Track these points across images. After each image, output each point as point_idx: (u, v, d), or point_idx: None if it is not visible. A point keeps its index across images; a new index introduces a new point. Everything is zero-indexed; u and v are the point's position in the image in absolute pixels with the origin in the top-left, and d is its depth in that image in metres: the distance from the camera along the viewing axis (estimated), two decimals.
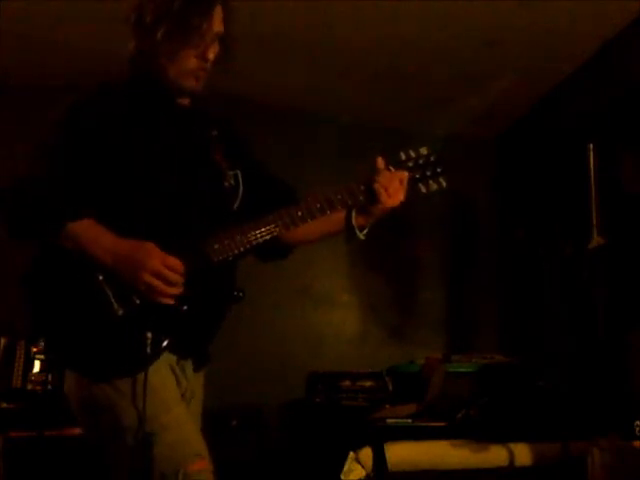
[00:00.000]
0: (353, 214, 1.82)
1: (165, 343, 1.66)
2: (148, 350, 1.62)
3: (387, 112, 4.46)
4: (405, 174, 1.78)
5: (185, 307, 1.68)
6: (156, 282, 1.62)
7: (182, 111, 1.83)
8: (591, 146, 2.94)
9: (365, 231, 1.84)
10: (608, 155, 3.16)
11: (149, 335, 1.62)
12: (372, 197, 1.77)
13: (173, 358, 1.73)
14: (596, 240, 2.86)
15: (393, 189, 1.76)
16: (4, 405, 3.33)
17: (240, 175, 1.86)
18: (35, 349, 3.40)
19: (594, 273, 2.90)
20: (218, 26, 1.77)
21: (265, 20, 3.46)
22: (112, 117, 1.73)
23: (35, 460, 3.15)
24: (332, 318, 4.48)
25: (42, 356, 3.37)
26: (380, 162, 1.78)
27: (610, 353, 2.90)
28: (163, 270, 1.63)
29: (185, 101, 1.84)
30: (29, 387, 3.41)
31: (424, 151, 1.83)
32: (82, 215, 1.65)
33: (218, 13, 1.77)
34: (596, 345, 2.95)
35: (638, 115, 3.27)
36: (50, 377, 3.33)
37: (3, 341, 3.49)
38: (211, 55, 1.76)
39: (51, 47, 3.68)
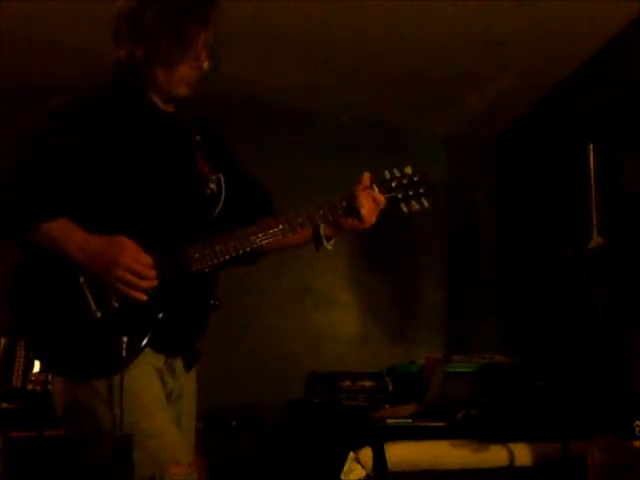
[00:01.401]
0: (322, 225, 1.84)
1: (140, 347, 1.67)
2: (124, 354, 1.63)
3: (387, 112, 4.46)
4: (382, 198, 1.81)
5: (160, 315, 1.69)
6: (128, 276, 1.64)
7: (166, 117, 1.84)
8: (591, 146, 2.94)
9: (332, 242, 1.88)
10: (608, 155, 3.16)
11: (125, 339, 1.64)
12: (349, 213, 1.81)
13: (161, 358, 1.74)
14: (596, 240, 2.86)
15: (369, 210, 1.79)
16: (4, 405, 3.33)
17: (222, 179, 1.87)
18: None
19: (594, 273, 2.90)
20: (211, 37, 1.78)
21: (265, 20, 3.46)
22: (97, 120, 1.73)
23: (35, 460, 3.15)
24: (332, 318, 4.48)
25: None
26: (366, 178, 1.81)
27: (610, 353, 2.89)
28: (134, 264, 1.65)
29: (169, 107, 1.85)
30: (29, 387, 3.41)
31: (408, 171, 1.85)
32: (57, 214, 1.66)
33: (212, 24, 1.77)
34: (596, 345, 2.95)
35: (638, 115, 3.27)
36: (50, 377, 3.32)
37: (3, 341, 3.49)
38: (206, 65, 1.78)
39: (51, 47, 3.69)
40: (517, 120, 4.52)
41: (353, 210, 1.80)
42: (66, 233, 1.66)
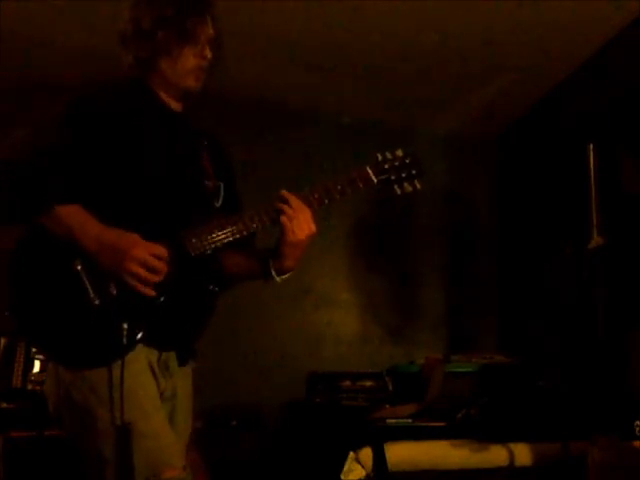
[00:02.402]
0: (270, 261, 1.83)
1: (141, 334, 1.67)
2: (124, 340, 1.63)
3: (387, 112, 4.46)
4: (307, 208, 1.77)
5: (162, 298, 1.69)
6: (141, 270, 1.65)
7: (176, 116, 1.89)
8: (591, 146, 2.94)
9: (285, 276, 1.85)
10: (608, 155, 3.16)
11: (125, 326, 1.64)
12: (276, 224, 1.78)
13: (154, 354, 1.74)
14: (596, 240, 2.86)
15: (300, 220, 1.76)
16: (4, 405, 3.33)
17: (222, 188, 1.90)
18: (35, 349, 3.40)
19: (594, 273, 2.90)
20: (210, 30, 1.84)
21: (265, 20, 3.46)
22: (112, 113, 1.78)
23: (35, 460, 3.15)
24: (332, 318, 4.48)
25: (42, 356, 3.36)
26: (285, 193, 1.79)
27: (610, 353, 2.89)
28: (148, 258, 1.65)
29: (178, 107, 1.89)
30: (29, 387, 3.41)
31: (400, 153, 1.86)
32: (72, 199, 1.68)
33: (209, 18, 1.84)
34: (596, 345, 2.95)
35: (638, 115, 3.27)
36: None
37: (3, 341, 3.49)
38: (208, 53, 1.83)
39: (51, 47, 3.68)
40: (517, 120, 4.52)
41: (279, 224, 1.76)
42: (80, 221, 1.67)
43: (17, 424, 3.23)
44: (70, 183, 1.70)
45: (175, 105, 1.89)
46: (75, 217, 1.67)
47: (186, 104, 1.91)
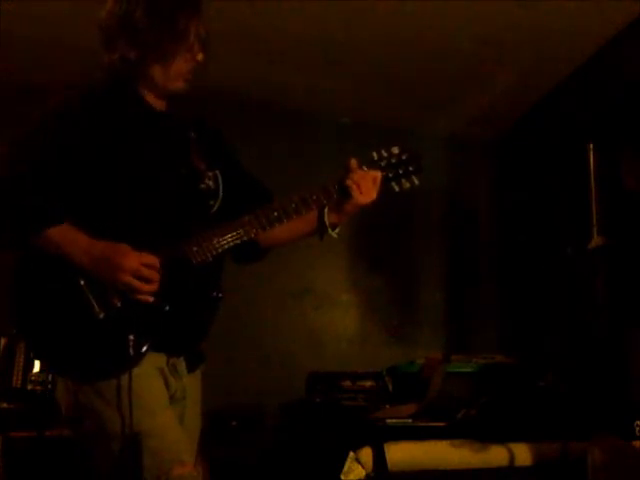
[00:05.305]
0: (325, 213, 1.85)
1: (147, 345, 1.67)
2: (131, 352, 1.63)
3: (387, 112, 4.46)
4: (378, 174, 1.82)
5: (167, 307, 1.69)
6: (135, 281, 1.64)
7: (160, 115, 1.84)
8: (591, 146, 2.94)
9: (337, 229, 1.87)
10: (608, 155, 3.16)
11: (131, 337, 1.64)
12: (345, 195, 1.81)
13: (162, 358, 1.74)
14: (596, 240, 2.86)
15: (365, 187, 1.80)
16: (4, 405, 3.32)
17: (219, 175, 1.87)
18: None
19: (594, 273, 2.90)
20: (202, 29, 1.79)
21: (265, 20, 3.46)
22: (93, 120, 1.73)
23: (35, 460, 3.15)
24: (332, 318, 4.48)
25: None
26: (353, 163, 1.82)
27: (610, 353, 2.89)
28: (140, 268, 1.64)
29: (162, 105, 1.85)
30: (29, 387, 3.41)
31: (396, 150, 1.86)
32: (59, 221, 1.66)
33: (200, 17, 1.79)
34: (596, 345, 2.95)
35: (638, 115, 3.27)
36: (50, 377, 3.33)
37: (3, 341, 3.49)
38: (200, 57, 1.79)
39: (51, 47, 3.68)
40: (517, 120, 4.52)
41: (347, 191, 1.80)
42: (70, 238, 1.66)
43: (17, 424, 3.23)
44: (56, 201, 1.67)
45: (159, 104, 1.84)
46: (64, 236, 1.65)
47: (170, 102, 1.86)
